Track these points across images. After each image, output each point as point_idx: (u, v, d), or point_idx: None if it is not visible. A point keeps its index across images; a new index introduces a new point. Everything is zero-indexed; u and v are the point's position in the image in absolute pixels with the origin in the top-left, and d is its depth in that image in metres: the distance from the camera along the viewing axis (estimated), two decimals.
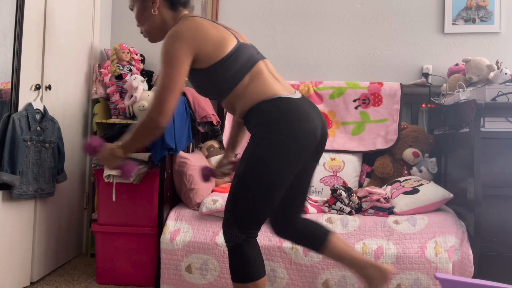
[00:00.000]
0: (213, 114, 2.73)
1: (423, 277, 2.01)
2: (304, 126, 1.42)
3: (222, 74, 1.47)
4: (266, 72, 1.51)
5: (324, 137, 1.54)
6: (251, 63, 1.49)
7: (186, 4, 1.60)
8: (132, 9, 1.62)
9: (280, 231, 1.66)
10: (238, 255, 1.45)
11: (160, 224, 2.24)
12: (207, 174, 1.77)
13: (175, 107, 1.41)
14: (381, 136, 2.76)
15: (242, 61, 1.47)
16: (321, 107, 2.87)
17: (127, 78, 2.79)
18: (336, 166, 2.72)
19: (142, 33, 1.64)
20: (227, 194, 2.27)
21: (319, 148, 1.54)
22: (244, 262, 1.44)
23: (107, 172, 2.31)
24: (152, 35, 1.61)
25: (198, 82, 1.53)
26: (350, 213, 2.26)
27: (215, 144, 2.78)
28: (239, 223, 1.44)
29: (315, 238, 1.64)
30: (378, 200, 2.27)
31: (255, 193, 1.42)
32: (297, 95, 1.50)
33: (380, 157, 2.73)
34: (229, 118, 2.87)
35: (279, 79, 1.55)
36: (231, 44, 1.47)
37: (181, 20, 1.51)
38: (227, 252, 2.10)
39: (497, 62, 2.42)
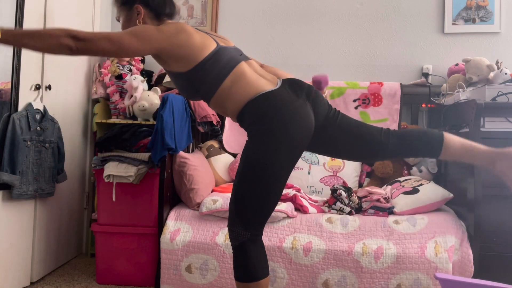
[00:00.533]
0: (213, 114, 2.73)
1: (423, 277, 2.01)
2: (291, 116, 1.44)
3: (202, 77, 1.50)
4: (249, 72, 1.53)
5: (316, 101, 1.53)
6: (232, 65, 1.51)
7: (172, 16, 1.63)
8: (118, 20, 1.67)
9: (385, 155, 1.60)
10: (242, 254, 1.46)
11: (160, 224, 2.24)
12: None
13: (94, 54, 1.39)
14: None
15: (221, 63, 1.50)
16: None
17: (127, 78, 2.79)
18: (336, 166, 2.72)
19: None
20: (227, 194, 2.29)
21: (317, 109, 1.53)
22: (248, 261, 1.45)
23: (107, 172, 2.31)
24: None
25: (181, 85, 1.57)
26: (350, 213, 2.26)
27: (215, 144, 2.78)
28: (243, 221, 1.46)
29: (430, 145, 1.57)
30: (378, 200, 2.27)
31: (255, 189, 1.44)
32: (279, 84, 1.52)
33: None
34: (229, 118, 2.86)
35: (263, 74, 1.57)
36: (210, 48, 1.50)
37: (166, 23, 1.56)
38: (227, 252, 2.11)
39: (497, 62, 2.42)
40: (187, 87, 1.56)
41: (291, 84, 1.53)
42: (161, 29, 1.46)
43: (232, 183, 1.56)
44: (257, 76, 1.54)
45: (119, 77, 2.83)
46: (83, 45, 1.32)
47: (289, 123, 1.44)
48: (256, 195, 1.44)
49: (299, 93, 1.50)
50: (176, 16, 1.66)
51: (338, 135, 1.56)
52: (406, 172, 2.67)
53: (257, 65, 1.61)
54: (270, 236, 2.14)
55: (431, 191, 2.26)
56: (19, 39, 1.30)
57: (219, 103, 1.55)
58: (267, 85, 1.50)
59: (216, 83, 1.50)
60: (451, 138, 1.56)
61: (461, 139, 1.57)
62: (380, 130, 1.58)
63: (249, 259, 1.45)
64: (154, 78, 3.01)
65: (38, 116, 2.28)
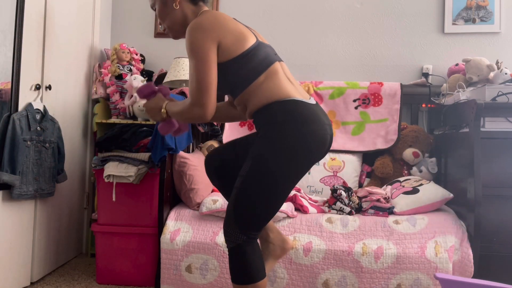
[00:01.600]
0: None
1: (423, 277, 2.01)
2: (314, 130, 1.41)
3: (238, 70, 1.46)
4: (282, 73, 1.51)
5: (331, 144, 1.53)
6: (268, 62, 1.49)
7: (206, 0, 1.62)
8: (153, 8, 1.63)
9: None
10: (238, 256, 1.44)
11: (160, 224, 2.24)
12: (148, 93, 1.66)
13: (215, 97, 1.42)
14: (381, 136, 2.76)
15: (259, 59, 1.47)
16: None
17: (127, 78, 2.79)
18: (336, 166, 2.72)
19: (164, 30, 1.64)
20: None
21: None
22: (244, 264, 1.43)
23: (107, 172, 2.31)
24: (175, 31, 1.61)
25: None
26: (350, 213, 2.26)
27: (215, 144, 2.78)
28: (240, 224, 1.42)
29: None
30: (378, 200, 2.27)
31: (259, 195, 1.40)
32: (312, 101, 1.49)
33: (380, 157, 2.73)
34: None
35: (294, 82, 1.54)
36: (250, 41, 1.47)
37: (201, 14, 1.52)
38: (227, 252, 2.11)
39: (497, 62, 2.42)
40: (219, 78, 1.49)
41: (324, 112, 1.51)
42: (204, 27, 1.42)
43: None
44: (288, 80, 1.51)
45: (119, 77, 2.83)
46: (207, 106, 1.41)
47: (314, 141, 1.41)
48: (259, 201, 1.40)
49: (328, 124, 1.49)
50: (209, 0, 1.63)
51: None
52: (406, 172, 2.68)
53: (288, 70, 1.59)
54: None
55: (431, 191, 2.26)
56: (175, 117, 1.52)
57: (245, 98, 1.50)
58: (296, 93, 1.47)
59: (250, 78, 1.47)
60: None
61: None
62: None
63: (246, 261, 1.43)
64: (154, 78, 3.01)
65: (38, 116, 2.29)
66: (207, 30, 1.41)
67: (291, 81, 1.53)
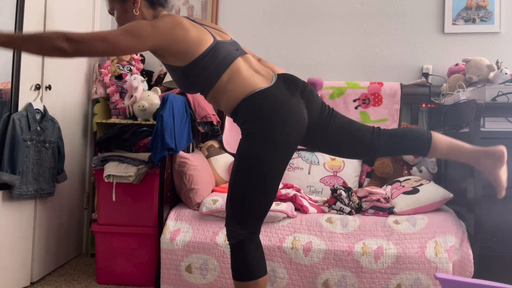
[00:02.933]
0: (213, 114, 2.73)
1: (423, 277, 2.01)
2: (285, 114, 1.44)
3: (199, 73, 1.50)
4: (245, 68, 1.53)
5: (310, 98, 1.54)
6: (228, 61, 1.51)
7: (165, 4, 1.63)
8: (111, 13, 1.63)
9: (376, 154, 1.63)
10: (240, 253, 1.46)
11: (160, 224, 2.24)
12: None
13: (90, 55, 1.38)
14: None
15: (218, 59, 1.49)
16: None
17: (127, 78, 2.79)
18: (336, 166, 2.72)
19: None
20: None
21: (310, 106, 1.54)
22: (246, 260, 1.45)
23: (107, 172, 2.31)
24: None
25: (178, 79, 1.57)
26: (350, 213, 2.25)
27: (215, 144, 2.78)
28: (239, 218, 1.46)
29: (418, 144, 1.60)
30: (378, 200, 2.27)
31: (250, 187, 1.45)
32: (273, 80, 1.51)
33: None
34: (229, 118, 2.86)
35: (259, 70, 1.56)
36: (207, 43, 1.49)
37: (160, 17, 1.53)
38: (227, 252, 2.11)
39: (497, 62, 2.42)
40: (184, 81, 1.56)
41: (286, 80, 1.53)
42: (157, 25, 1.44)
43: None
44: (252, 73, 1.53)
45: (119, 77, 2.83)
46: (78, 46, 1.32)
47: (283, 120, 1.44)
48: (251, 192, 1.45)
49: (293, 90, 1.51)
50: (169, 4, 1.65)
51: (331, 132, 1.58)
52: (406, 172, 2.67)
53: (254, 60, 1.60)
54: (270, 236, 2.14)
55: (431, 191, 2.26)
56: (17, 42, 1.32)
57: (215, 98, 1.56)
58: (261, 82, 1.50)
59: (212, 79, 1.50)
60: (439, 137, 1.60)
61: (449, 138, 1.61)
62: (372, 130, 1.60)
63: (247, 257, 1.46)
64: (154, 78, 3.01)
65: (38, 116, 2.28)
66: (158, 32, 1.43)
67: (256, 71, 1.55)
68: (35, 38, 1.31)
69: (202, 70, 1.49)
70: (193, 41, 1.47)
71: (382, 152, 1.62)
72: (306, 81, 1.73)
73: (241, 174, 1.46)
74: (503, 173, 1.58)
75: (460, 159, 1.62)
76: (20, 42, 1.32)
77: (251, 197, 1.45)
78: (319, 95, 1.81)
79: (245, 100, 1.47)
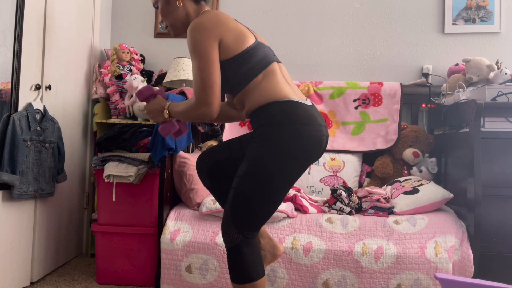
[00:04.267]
0: None
1: (423, 277, 2.01)
2: (310, 131, 1.42)
3: (237, 69, 1.48)
4: (280, 74, 1.52)
5: (326, 145, 1.53)
6: (266, 62, 1.50)
7: (207, 0, 1.64)
8: (155, 6, 1.65)
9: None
10: (236, 256, 1.45)
11: (160, 224, 2.24)
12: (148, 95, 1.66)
13: (219, 96, 1.43)
14: (381, 136, 2.76)
15: (257, 58, 1.49)
16: (321, 107, 2.87)
17: (127, 78, 2.79)
18: (336, 166, 2.72)
19: (166, 28, 1.65)
20: None
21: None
22: (243, 263, 1.44)
23: (107, 172, 2.31)
24: (176, 29, 1.63)
25: None
26: (350, 213, 2.26)
27: (215, 144, 2.78)
28: (237, 224, 1.43)
29: None
30: (378, 200, 2.27)
31: (256, 196, 1.41)
32: (308, 102, 1.50)
33: (380, 157, 2.73)
34: None
35: (291, 84, 1.55)
36: (250, 41, 1.49)
37: (202, 13, 1.54)
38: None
39: (497, 62, 2.42)
40: (221, 76, 1.51)
41: (320, 114, 1.52)
42: (205, 26, 1.43)
43: None
44: (285, 81, 1.52)
45: (119, 77, 2.83)
46: (210, 103, 1.42)
47: (310, 142, 1.41)
48: (257, 203, 1.41)
49: (324, 125, 1.50)
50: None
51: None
52: (406, 172, 2.68)
53: (286, 71, 1.60)
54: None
55: (431, 191, 2.26)
56: (179, 117, 1.54)
57: (244, 97, 1.52)
58: (293, 94, 1.48)
59: (249, 76, 1.48)
60: None
61: None
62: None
63: (244, 260, 1.44)
64: (154, 78, 3.01)
65: (38, 116, 2.28)
66: (209, 29, 1.43)
67: (288, 82, 1.54)
68: (187, 113, 1.49)
69: (241, 66, 1.47)
70: (236, 35, 1.47)
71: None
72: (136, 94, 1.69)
73: (249, 181, 1.41)
74: None
75: None
76: (179, 115, 1.53)
77: (254, 207, 1.42)
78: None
79: (276, 104, 1.44)
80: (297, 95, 1.49)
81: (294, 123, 1.41)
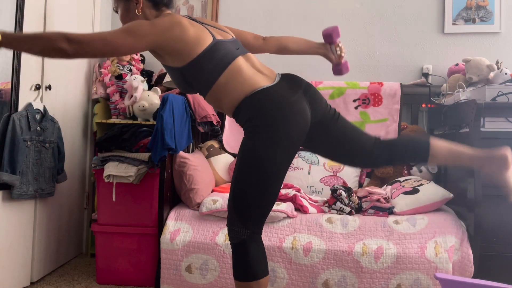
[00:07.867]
0: (213, 114, 2.73)
1: (423, 277, 2.01)
2: (287, 113, 1.44)
3: (197, 73, 1.49)
4: (246, 67, 1.52)
5: (314, 98, 1.54)
6: (227, 61, 1.50)
7: (169, 5, 1.62)
8: (116, 11, 1.66)
9: (374, 163, 1.66)
10: (242, 253, 1.46)
11: (160, 224, 2.24)
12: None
13: (90, 56, 1.37)
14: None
15: (216, 59, 1.48)
16: None
17: (127, 78, 2.79)
18: (336, 166, 2.72)
19: None
20: (227, 194, 2.28)
21: (314, 106, 1.54)
22: (248, 260, 1.45)
23: (107, 172, 2.31)
24: None
25: (176, 79, 1.57)
26: (350, 213, 2.25)
27: (215, 144, 2.78)
28: (241, 218, 1.45)
29: (417, 153, 1.60)
30: (378, 200, 2.27)
31: (252, 186, 1.44)
32: (276, 80, 1.51)
33: None
34: (229, 118, 2.86)
35: (261, 69, 1.56)
36: (205, 43, 1.48)
37: (161, 16, 1.54)
38: (227, 252, 2.11)
39: (497, 62, 2.42)
40: (182, 82, 1.55)
41: (289, 80, 1.53)
42: (155, 24, 1.44)
43: None
44: (254, 72, 1.52)
45: (119, 77, 2.83)
46: (78, 47, 1.31)
47: (286, 118, 1.43)
48: (254, 192, 1.44)
49: (296, 89, 1.50)
50: (174, 4, 1.64)
51: (332, 135, 1.58)
52: (406, 172, 2.67)
53: (256, 59, 1.59)
54: (270, 236, 2.14)
55: (431, 191, 2.26)
56: (18, 43, 1.32)
57: (214, 99, 1.55)
58: (263, 80, 1.49)
59: (210, 80, 1.49)
60: (437, 144, 1.58)
61: (449, 144, 1.59)
62: (373, 139, 1.61)
63: (249, 257, 1.45)
64: (154, 78, 3.01)
65: (38, 116, 2.28)
66: (157, 30, 1.43)
67: (259, 70, 1.54)
68: (35, 39, 1.31)
69: (200, 71, 1.48)
70: (191, 41, 1.45)
71: (381, 162, 1.63)
72: (322, 33, 1.79)
73: (243, 172, 1.45)
74: (510, 176, 1.55)
75: (462, 164, 1.61)
76: (20, 43, 1.32)
77: (252, 196, 1.45)
78: (340, 44, 1.86)
79: (247, 99, 1.46)
80: (267, 79, 1.50)
81: (268, 110, 1.44)
